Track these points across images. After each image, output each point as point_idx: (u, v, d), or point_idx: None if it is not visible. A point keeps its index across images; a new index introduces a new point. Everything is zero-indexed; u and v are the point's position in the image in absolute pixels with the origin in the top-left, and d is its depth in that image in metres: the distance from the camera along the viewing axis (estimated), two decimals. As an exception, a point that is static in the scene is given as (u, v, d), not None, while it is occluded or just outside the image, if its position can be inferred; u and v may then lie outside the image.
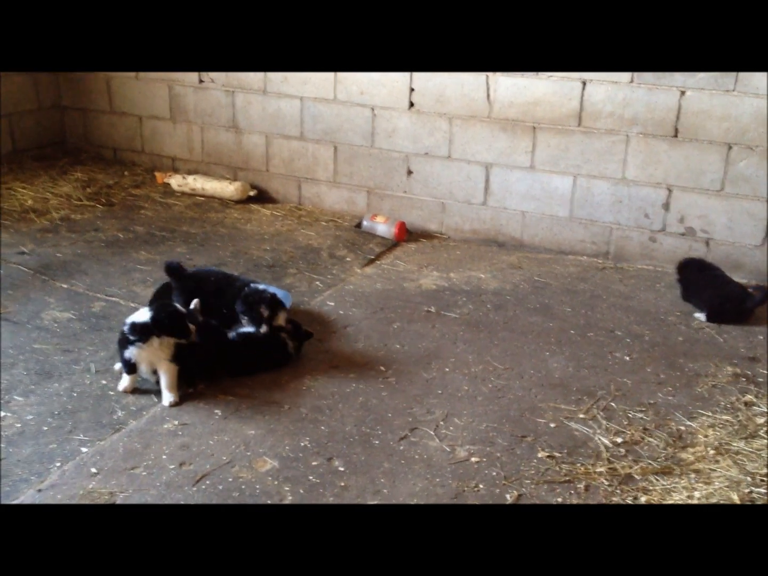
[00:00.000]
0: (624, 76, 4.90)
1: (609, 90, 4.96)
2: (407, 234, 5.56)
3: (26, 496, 2.74)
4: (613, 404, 3.50)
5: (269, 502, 2.78)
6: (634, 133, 4.98)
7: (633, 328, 4.24)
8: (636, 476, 2.99)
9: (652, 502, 2.84)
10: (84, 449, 3.03)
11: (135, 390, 3.43)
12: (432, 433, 3.24)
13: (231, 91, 5.96)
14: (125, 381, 3.41)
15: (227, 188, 5.95)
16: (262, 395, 3.45)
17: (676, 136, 4.90)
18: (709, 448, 3.15)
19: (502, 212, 5.45)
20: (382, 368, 3.73)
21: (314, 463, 3.01)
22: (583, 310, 4.44)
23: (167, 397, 3.35)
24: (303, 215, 5.80)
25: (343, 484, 2.90)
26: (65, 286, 4.40)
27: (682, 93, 4.80)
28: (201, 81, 6.03)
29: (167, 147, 6.36)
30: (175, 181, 6.07)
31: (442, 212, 5.61)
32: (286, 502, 2.78)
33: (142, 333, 3.30)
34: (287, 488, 2.86)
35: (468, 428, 3.29)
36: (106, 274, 4.59)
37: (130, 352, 3.32)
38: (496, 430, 3.28)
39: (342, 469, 2.99)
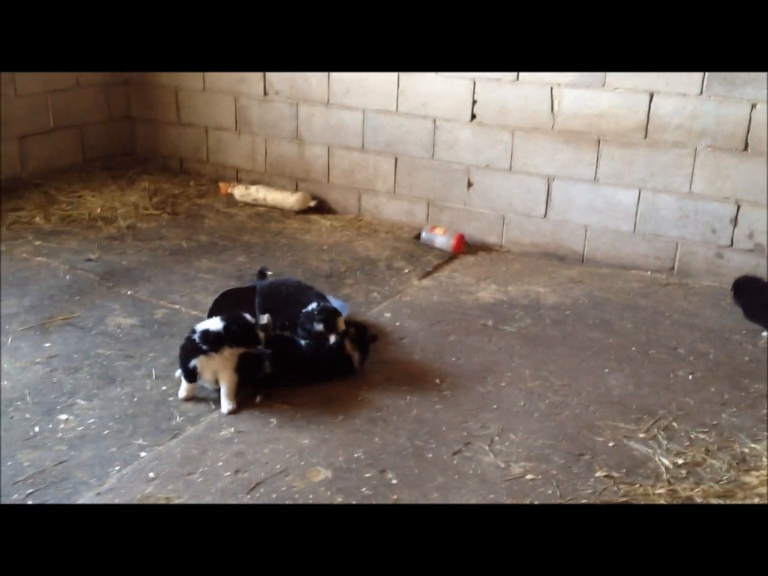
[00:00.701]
0: (693, 89, 4.79)
1: (677, 102, 4.85)
2: (466, 246, 5.53)
3: (85, 499, 2.81)
4: (674, 424, 3.40)
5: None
6: (703, 147, 4.86)
7: (697, 346, 4.13)
8: (697, 499, 2.91)
9: (714, 526, 2.76)
10: (143, 454, 3.09)
11: (193, 397, 3.48)
12: (486, 448, 3.21)
13: (295, 103, 6.04)
14: (185, 388, 3.46)
15: (288, 199, 6.02)
16: (317, 405, 3.47)
17: (746, 149, 4.76)
18: (774, 473, 3.05)
19: (564, 226, 5.38)
20: (437, 381, 3.71)
21: (367, 475, 3.01)
22: (644, 327, 4.34)
23: (226, 405, 3.39)
24: (362, 226, 5.83)
25: (395, 497, 2.89)
26: (129, 292, 4.50)
27: (753, 106, 4.67)
28: (266, 93, 6.13)
29: (232, 158, 6.47)
30: (238, 192, 6.17)
31: (502, 225, 5.57)
32: (338, 513, 2.79)
33: (214, 342, 3.36)
34: (340, 499, 2.86)
35: (523, 444, 3.24)
36: (169, 281, 4.68)
37: (197, 361, 3.37)
38: (552, 447, 3.23)
39: (395, 481, 2.98)
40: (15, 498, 2.80)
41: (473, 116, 5.44)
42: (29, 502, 2.78)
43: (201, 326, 3.41)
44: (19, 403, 3.37)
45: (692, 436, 3.32)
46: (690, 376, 3.81)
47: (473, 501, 2.87)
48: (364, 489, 2.93)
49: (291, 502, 2.83)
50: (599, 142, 5.12)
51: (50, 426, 3.23)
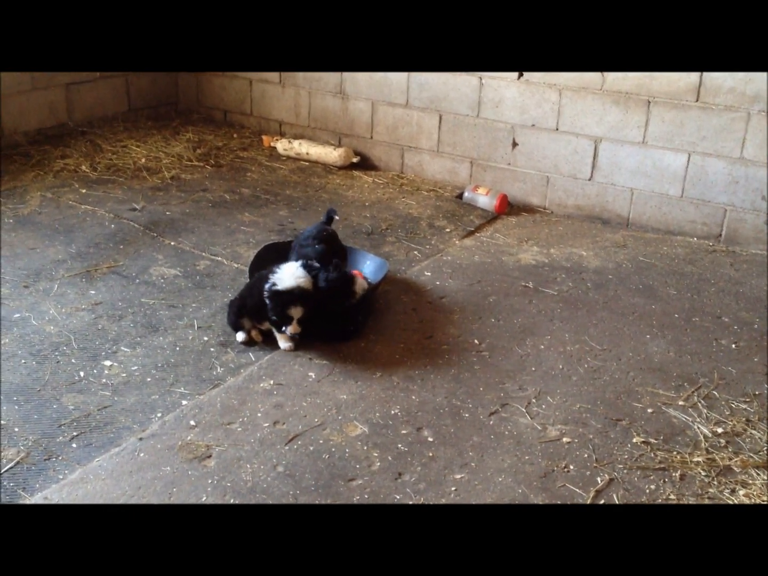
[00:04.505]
0: (749, 50, 4.64)
1: (731, 64, 4.70)
2: (508, 207, 5.47)
3: (128, 443, 2.87)
4: (715, 393, 3.37)
5: (357, 466, 2.82)
6: (756, 111, 4.72)
7: (742, 315, 4.06)
8: (735, 468, 2.89)
9: (751, 496, 2.74)
10: (184, 402, 3.15)
11: (233, 348, 3.53)
12: (523, 410, 3.21)
13: (339, 57, 5.97)
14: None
15: (331, 154, 6.00)
16: (355, 361, 3.49)
17: (802, 114, 4.62)
18: (816, 446, 3.01)
19: (609, 188, 5.29)
20: (476, 341, 3.70)
21: (403, 432, 3.03)
22: (688, 294, 4.27)
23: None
24: (404, 184, 5.80)
25: (431, 454, 2.91)
26: (173, 243, 4.55)
27: (812, 69, 4.51)
28: (310, 46, 6.06)
29: (275, 111, 6.45)
30: (281, 145, 6.16)
31: (546, 186, 5.49)
32: (374, 468, 2.82)
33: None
34: (376, 454, 2.89)
35: (561, 408, 3.24)
36: (212, 233, 4.71)
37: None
38: (589, 411, 3.22)
39: (431, 439, 3.00)
40: (60, 440, 2.87)
41: (520, 74, 5.34)
42: (74, 445, 2.85)
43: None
44: (65, 348, 3.45)
45: (733, 405, 3.28)
46: (733, 345, 3.76)
47: (508, 462, 2.89)
48: (400, 445, 2.95)
49: (327, 455, 2.87)
50: (649, 103, 5.00)
51: (95, 371, 3.30)
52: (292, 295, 3.42)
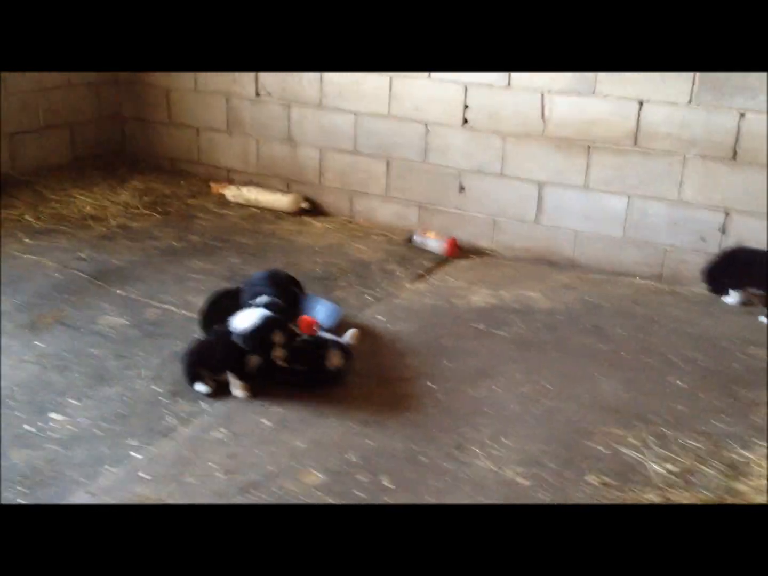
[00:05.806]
0: (683, 97, 4.82)
1: (666, 111, 4.88)
2: (458, 250, 5.54)
3: (77, 499, 2.78)
4: (666, 431, 3.42)
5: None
6: (692, 155, 4.90)
7: (688, 353, 4.15)
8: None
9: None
10: (135, 454, 3.07)
11: (184, 397, 3.47)
12: (480, 452, 3.21)
13: (287, 105, 6.03)
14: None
15: (281, 200, 6.01)
16: (310, 408, 3.46)
17: (734, 158, 4.80)
18: (764, 480, 3.07)
19: (555, 231, 5.40)
20: (431, 384, 3.71)
21: (361, 479, 3.00)
22: (636, 333, 4.36)
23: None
24: (355, 229, 5.83)
25: (389, 501, 2.89)
26: (121, 292, 4.48)
27: (742, 115, 4.71)
28: (258, 94, 6.12)
29: (223, 158, 6.45)
30: (230, 192, 6.15)
31: (494, 229, 5.58)
32: (332, 515, 2.78)
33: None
34: (333, 502, 2.85)
35: (516, 449, 3.25)
36: (161, 281, 4.66)
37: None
38: (545, 452, 3.24)
39: (388, 485, 2.98)
40: (5, 496, 2.77)
41: (465, 121, 5.45)
42: (20, 501, 2.75)
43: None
44: (9, 401, 3.34)
45: (683, 443, 3.33)
46: (681, 384, 3.82)
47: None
48: (358, 492, 2.92)
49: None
50: (590, 148, 5.15)
51: (41, 425, 3.21)
52: (271, 323, 3.46)
